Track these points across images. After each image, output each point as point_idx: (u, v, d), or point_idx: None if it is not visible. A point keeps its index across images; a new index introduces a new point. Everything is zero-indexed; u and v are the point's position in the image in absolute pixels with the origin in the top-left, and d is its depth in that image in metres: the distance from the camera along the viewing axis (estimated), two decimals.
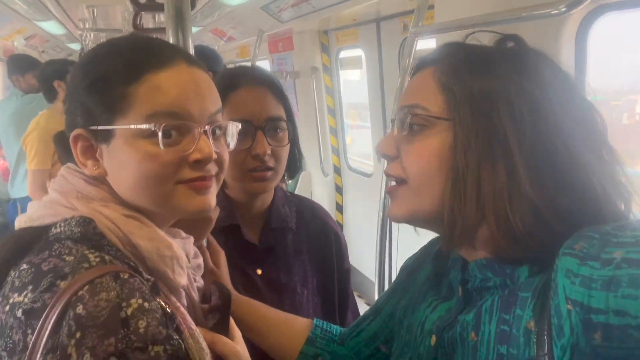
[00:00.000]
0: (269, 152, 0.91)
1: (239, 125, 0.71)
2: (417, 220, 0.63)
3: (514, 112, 0.55)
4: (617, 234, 0.47)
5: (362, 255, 2.51)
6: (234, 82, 0.93)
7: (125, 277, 0.54)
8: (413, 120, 0.60)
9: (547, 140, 0.54)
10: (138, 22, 1.24)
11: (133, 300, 0.51)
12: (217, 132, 0.65)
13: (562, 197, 0.53)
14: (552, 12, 1.10)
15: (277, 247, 1.02)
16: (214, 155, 0.62)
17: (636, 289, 0.42)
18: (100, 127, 0.60)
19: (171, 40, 0.81)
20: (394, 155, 0.63)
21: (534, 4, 1.23)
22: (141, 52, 0.63)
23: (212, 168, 0.63)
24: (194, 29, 4.63)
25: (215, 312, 0.72)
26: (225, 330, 0.70)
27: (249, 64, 3.93)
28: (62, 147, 0.66)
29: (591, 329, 0.44)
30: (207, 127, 0.62)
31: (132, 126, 0.58)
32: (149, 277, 0.58)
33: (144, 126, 0.58)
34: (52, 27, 4.56)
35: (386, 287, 1.91)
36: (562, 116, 0.55)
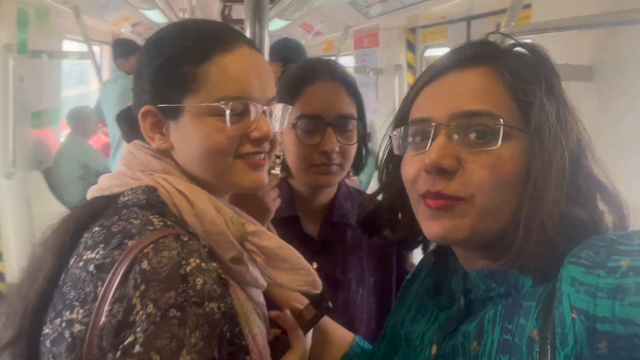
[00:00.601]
0: (337, 149, 0.92)
1: (289, 107, 0.75)
2: (471, 242, 0.57)
3: (562, 121, 0.54)
4: (623, 242, 0.46)
5: None
6: (310, 76, 0.93)
7: (185, 239, 0.58)
8: (487, 131, 0.54)
9: (578, 152, 0.55)
10: (226, 12, 1.29)
11: (192, 260, 0.56)
12: (272, 115, 0.71)
13: (582, 208, 0.53)
14: None
15: (335, 242, 1.01)
16: (272, 134, 0.67)
17: None
18: (170, 105, 0.65)
19: (248, 32, 0.83)
20: (454, 168, 0.54)
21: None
22: (208, 34, 0.67)
23: (266, 146, 0.68)
24: (283, 22, 4.75)
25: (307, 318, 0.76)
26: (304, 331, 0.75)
27: (332, 59, 3.96)
28: (125, 123, 0.71)
29: (596, 338, 0.43)
30: (265, 108, 0.67)
31: (204, 104, 0.63)
32: (205, 244, 0.62)
33: (214, 105, 0.63)
34: (155, 15, 4.90)
35: None
36: (580, 127, 0.56)
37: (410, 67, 3.45)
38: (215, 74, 0.64)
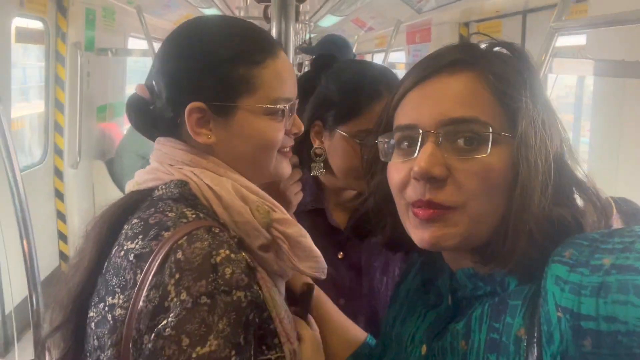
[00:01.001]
0: None
1: (289, 105, 0.77)
2: (461, 248, 0.56)
3: (545, 124, 0.54)
4: (605, 240, 0.46)
5: None
6: (378, 92, 0.93)
7: (216, 230, 0.62)
8: (475, 138, 0.53)
9: (561, 154, 0.55)
10: (269, 13, 1.33)
11: (222, 250, 0.59)
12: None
13: (566, 208, 0.53)
14: None
15: (361, 233, 1.01)
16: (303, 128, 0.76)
17: (626, 294, 0.42)
18: (223, 103, 0.69)
19: (274, 30, 0.84)
20: (445, 177, 0.53)
21: None
22: (257, 39, 0.72)
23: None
24: (336, 19, 4.76)
25: (297, 302, 0.79)
26: (303, 319, 0.78)
27: (383, 54, 3.91)
28: (136, 112, 0.72)
29: (581, 335, 0.44)
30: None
31: (262, 105, 0.69)
32: (234, 234, 0.66)
33: (268, 106, 0.69)
34: (213, 13, 5.09)
35: None
36: (557, 124, 0.56)
37: None
38: (269, 77, 0.69)
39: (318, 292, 0.89)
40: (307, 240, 0.71)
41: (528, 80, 0.55)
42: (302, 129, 0.74)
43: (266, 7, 1.35)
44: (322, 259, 0.72)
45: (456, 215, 0.54)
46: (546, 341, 0.47)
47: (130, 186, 0.73)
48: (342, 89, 0.95)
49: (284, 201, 0.84)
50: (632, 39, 1.44)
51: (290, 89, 0.71)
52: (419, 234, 0.56)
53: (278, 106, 0.69)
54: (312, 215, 0.98)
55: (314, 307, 0.85)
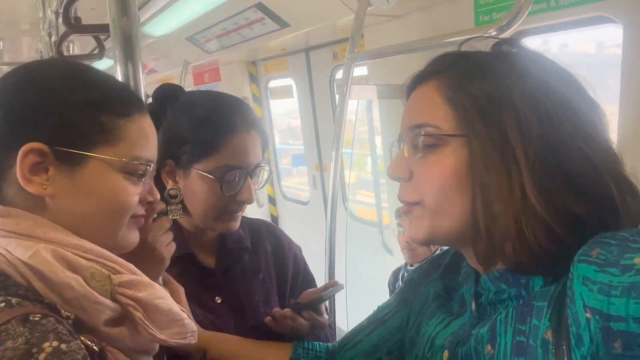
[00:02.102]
0: (254, 199, 0.91)
1: (150, 167, 0.69)
2: (437, 240, 0.61)
3: (520, 119, 0.54)
4: (636, 239, 0.45)
5: None
6: (233, 125, 0.89)
7: (36, 318, 0.48)
8: (425, 140, 0.58)
9: (558, 145, 0.53)
10: (65, 49, 1.14)
11: (46, 344, 0.46)
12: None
13: (576, 205, 0.52)
14: (483, 37, 1.17)
15: (235, 268, 0.98)
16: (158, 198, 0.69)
17: None
18: (74, 151, 0.58)
19: (119, 72, 0.73)
20: (408, 178, 0.60)
21: (455, 31, 1.31)
22: (125, 89, 0.67)
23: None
24: (109, 62, 4.43)
25: None
26: None
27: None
28: None
29: (611, 337, 0.43)
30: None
31: (122, 159, 0.60)
32: (68, 314, 0.52)
33: (132, 162, 0.61)
34: None
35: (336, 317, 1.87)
36: (569, 116, 0.54)
37: (256, 98, 3.51)
38: (134, 132, 0.62)
39: (214, 335, 0.82)
40: (167, 302, 0.61)
41: (483, 80, 0.55)
42: (156, 195, 0.67)
43: (62, 39, 1.17)
44: (188, 320, 0.63)
45: (419, 209, 0.59)
46: (575, 343, 0.46)
47: None
48: (194, 124, 0.89)
49: (154, 257, 0.73)
50: (406, 67, 1.75)
51: (152, 152, 0.65)
52: (407, 229, 0.63)
53: (140, 164, 0.61)
54: (180, 262, 0.88)
55: (221, 349, 0.81)
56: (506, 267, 0.57)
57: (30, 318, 0.47)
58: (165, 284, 0.82)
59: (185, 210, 0.90)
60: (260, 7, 2.05)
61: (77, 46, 2.26)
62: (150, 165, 0.64)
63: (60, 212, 0.57)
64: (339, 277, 1.80)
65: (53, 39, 1.79)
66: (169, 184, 0.89)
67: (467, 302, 0.64)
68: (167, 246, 0.75)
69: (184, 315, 0.62)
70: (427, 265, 0.78)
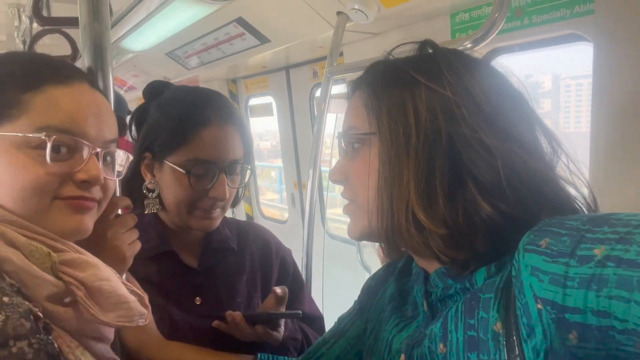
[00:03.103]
0: (228, 195, 0.88)
1: (130, 156, 0.69)
2: (372, 237, 0.62)
3: (419, 114, 0.55)
4: (592, 229, 0.43)
5: None
6: (205, 117, 0.87)
7: None
8: (349, 141, 0.62)
9: (475, 135, 0.53)
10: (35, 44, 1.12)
11: None
12: (108, 159, 0.64)
13: (479, 207, 0.52)
14: (458, 49, 1.19)
15: (218, 268, 0.96)
16: (102, 179, 0.61)
17: (629, 291, 0.38)
18: None
19: (85, 68, 0.71)
20: (342, 179, 0.64)
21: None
22: (44, 63, 0.61)
23: (97, 193, 0.62)
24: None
25: None
26: None
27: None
28: None
29: (565, 328, 0.42)
30: (99, 150, 0.61)
31: (20, 134, 0.55)
32: (13, 282, 0.52)
33: (32, 135, 0.55)
34: None
35: None
36: (486, 107, 0.55)
37: None
38: (42, 102, 0.57)
39: (174, 344, 0.79)
40: (111, 284, 0.58)
41: (398, 82, 0.59)
42: (96, 177, 0.60)
43: (37, 36, 1.15)
44: (135, 303, 0.61)
45: (353, 207, 0.62)
46: (527, 335, 0.45)
47: None
48: (166, 117, 0.88)
49: (115, 255, 0.70)
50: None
51: (77, 122, 0.58)
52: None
53: (36, 135, 0.55)
54: (161, 259, 0.88)
55: None
56: (447, 263, 0.57)
57: None
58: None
59: (162, 205, 0.89)
60: (241, 22, 2.05)
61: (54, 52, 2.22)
62: (70, 137, 0.58)
63: None
64: (315, 295, 1.76)
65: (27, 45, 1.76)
66: (148, 178, 0.88)
67: (419, 303, 0.64)
68: (130, 244, 0.72)
69: (131, 298, 0.60)
70: (383, 271, 0.78)
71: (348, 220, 0.64)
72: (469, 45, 1.15)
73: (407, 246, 0.58)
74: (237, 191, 0.98)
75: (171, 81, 3.54)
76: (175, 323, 0.86)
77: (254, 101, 3.40)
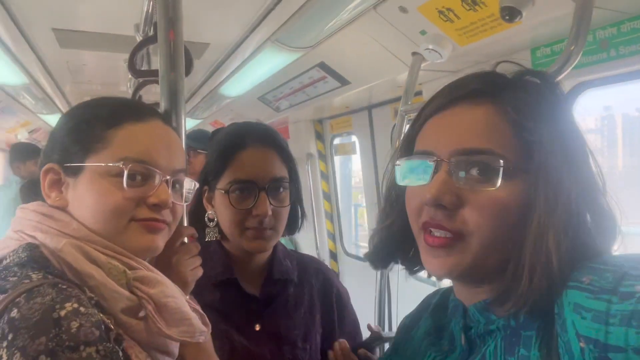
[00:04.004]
0: (270, 213, 0.92)
1: (196, 184, 0.75)
2: (473, 275, 0.56)
3: (568, 157, 0.52)
4: (635, 266, 0.43)
5: None
6: (242, 141, 0.95)
7: (64, 286, 0.55)
8: (487, 169, 0.52)
9: (589, 189, 0.52)
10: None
11: (68, 304, 0.52)
12: (177, 186, 0.72)
13: (594, 240, 0.51)
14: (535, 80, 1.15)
15: (278, 299, 0.99)
16: (170, 203, 0.68)
17: None
18: (73, 164, 0.66)
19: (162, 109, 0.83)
20: (454, 205, 0.53)
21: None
22: (124, 104, 0.72)
23: (167, 216, 0.69)
24: (194, 122, 4.83)
25: None
26: None
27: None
28: (26, 195, 0.71)
29: None
30: (168, 178, 0.68)
31: (103, 164, 0.65)
32: (92, 295, 0.58)
33: (113, 165, 0.64)
34: (56, 121, 4.74)
35: None
36: (583, 152, 0.54)
37: (321, 155, 3.61)
38: (122, 137, 0.66)
39: None
40: (176, 301, 0.64)
41: (552, 110, 0.53)
42: (165, 201, 0.67)
43: (137, 89, 1.32)
44: (196, 320, 0.66)
45: (463, 244, 0.53)
46: None
47: None
48: (213, 150, 0.97)
49: (178, 279, 0.76)
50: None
51: (150, 153, 0.67)
52: (428, 262, 0.56)
53: (115, 164, 0.64)
54: (224, 286, 0.93)
55: None
56: (489, 297, 0.54)
57: (59, 285, 0.55)
58: None
59: (222, 233, 0.96)
60: (322, 67, 2.17)
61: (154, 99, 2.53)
62: (144, 166, 0.65)
63: (78, 216, 0.66)
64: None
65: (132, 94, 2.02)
66: (209, 209, 0.96)
67: (456, 337, 0.61)
68: (192, 270, 0.78)
69: (193, 315, 0.65)
70: (418, 308, 0.76)
71: None
72: None
73: (520, 287, 0.51)
74: (296, 214, 1.01)
75: (264, 122, 3.78)
76: (235, 348, 0.90)
77: (338, 140, 3.49)
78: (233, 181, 0.92)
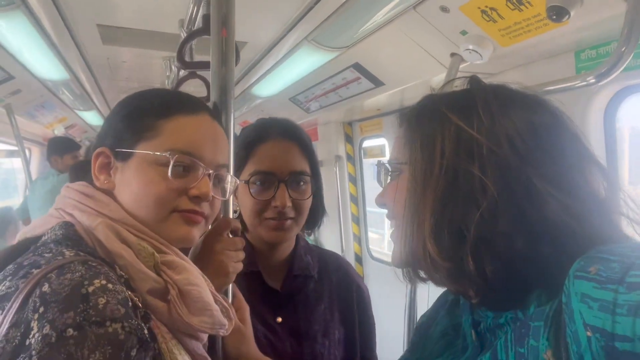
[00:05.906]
0: (289, 204, 0.94)
1: (237, 181, 0.77)
2: (410, 264, 0.62)
3: (444, 150, 0.57)
4: None
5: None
6: (264, 135, 0.97)
7: (94, 264, 0.57)
8: (391, 169, 0.66)
9: (511, 167, 0.55)
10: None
11: (96, 281, 0.54)
12: (219, 181, 0.74)
13: (518, 233, 0.53)
14: (580, 84, 1.12)
15: (298, 295, 1.01)
16: (210, 197, 0.70)
17: None
18: (123, 150, 0.69)
19: (211, 103, 0.85)
20: (381, 204, 0.68)
21: (556, 79, 1.27)
22: (175, 97, 0.75)
23: (206, 209, 0.71)
24: None
25: None
26: None
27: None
28: (74, 176, 0.74)
29: (614, 357, 0.41)
30: (211, 172, 0.70)
31: (151, 152, 0.67)
32: (122, 273, 0.61)
33: (160, 154, 0.67)
34: (92, 117, 4.88)
35: None
36: (521, 147, 0.56)
37: (350, 157, 3.61)
38: (172, 128, 0.69)
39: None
40: (199, 290, 0.65)
41: (431, 117, 0.63)
42: (206, 194, 0.69)
43: (180, 82, 1.35)
44: (218, 313, 0.66)
45: (395, 233, 0.63)
46: None
47: (19, 236, 0.68)
48: (237, 144, 0.99)
49: (219, 269, 0.77)
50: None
51: (196, 146, 0.69)
52: None
53: (163, 154, 0.66)
54: (249, 278, 0.94)
55: None
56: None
57: (89, 262, 0.57)
58: (234, 300, 0.85)
59: (244, 225, 0.97)
60: (357, 67, 2.17)
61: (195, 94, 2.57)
62: (188, 157, 0.68)
63: (122, 199, 0.68)
64: None
65: (173, 89, 2.06)
66: (235, 201, 0.98)
67: (467, 333, 0.62)
68: (235, 263, 0.79)
69: (215, 307, 0.66)
70: (434, 306, 0.77)
71: None
72: (592, 81, 1.09)
73: (425, 274, 0.59)
74: (317, 210, 1.02)
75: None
76: (259, 339, 0.90)
77: (367, 143, 3.49)
78: (254, 172, 0.94)
